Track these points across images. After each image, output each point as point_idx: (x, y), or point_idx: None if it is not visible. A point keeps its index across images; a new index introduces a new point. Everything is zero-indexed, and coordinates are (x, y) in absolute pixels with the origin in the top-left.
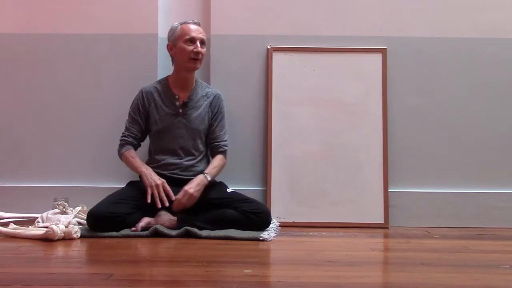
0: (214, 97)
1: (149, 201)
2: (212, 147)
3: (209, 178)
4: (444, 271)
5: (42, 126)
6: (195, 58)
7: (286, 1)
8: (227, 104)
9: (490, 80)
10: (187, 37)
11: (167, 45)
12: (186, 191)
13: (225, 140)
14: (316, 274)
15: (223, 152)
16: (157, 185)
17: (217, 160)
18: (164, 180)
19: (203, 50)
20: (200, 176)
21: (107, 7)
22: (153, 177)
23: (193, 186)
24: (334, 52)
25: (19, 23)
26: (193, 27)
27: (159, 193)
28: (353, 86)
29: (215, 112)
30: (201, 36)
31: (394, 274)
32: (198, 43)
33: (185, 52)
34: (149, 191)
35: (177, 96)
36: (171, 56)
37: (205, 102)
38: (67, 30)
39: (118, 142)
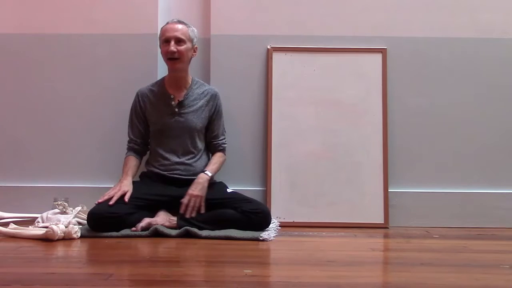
0: (212, 95)
1: (99, 200)
2: (212, 146)
3: (210, 174)
4: (444, 271)
5: (42, 126)
6: (171, 57)
7: (286, 1)
8: (227, 104)
9: (490, 80)
10: (163, 38)
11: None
12: (190, 194)
13: (224, 138)
14: (316, 274)
15: (223, 150)
16: (116, 190)
17: (217, 157)
18: (128, 189)
19: (180, 47)
20: (201, 175)
21: (107, 7)
22: (119, 185)
23: (195, 187)
24: (334, 52)
25: (19, 23)
26: (170, 26)
27: (111, 195)
28: (353, 86)
29: (214, 111)
30: (175, 34)
31: (394, 274)
32: (172, 42)
33: (163, 54)
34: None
35: (172, 96)
36: None
37: (202, 101)
38: (67, 30)
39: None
